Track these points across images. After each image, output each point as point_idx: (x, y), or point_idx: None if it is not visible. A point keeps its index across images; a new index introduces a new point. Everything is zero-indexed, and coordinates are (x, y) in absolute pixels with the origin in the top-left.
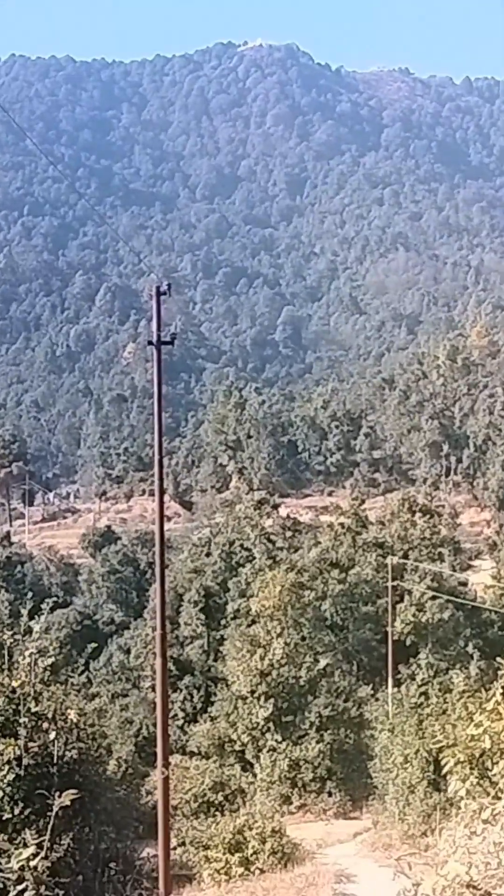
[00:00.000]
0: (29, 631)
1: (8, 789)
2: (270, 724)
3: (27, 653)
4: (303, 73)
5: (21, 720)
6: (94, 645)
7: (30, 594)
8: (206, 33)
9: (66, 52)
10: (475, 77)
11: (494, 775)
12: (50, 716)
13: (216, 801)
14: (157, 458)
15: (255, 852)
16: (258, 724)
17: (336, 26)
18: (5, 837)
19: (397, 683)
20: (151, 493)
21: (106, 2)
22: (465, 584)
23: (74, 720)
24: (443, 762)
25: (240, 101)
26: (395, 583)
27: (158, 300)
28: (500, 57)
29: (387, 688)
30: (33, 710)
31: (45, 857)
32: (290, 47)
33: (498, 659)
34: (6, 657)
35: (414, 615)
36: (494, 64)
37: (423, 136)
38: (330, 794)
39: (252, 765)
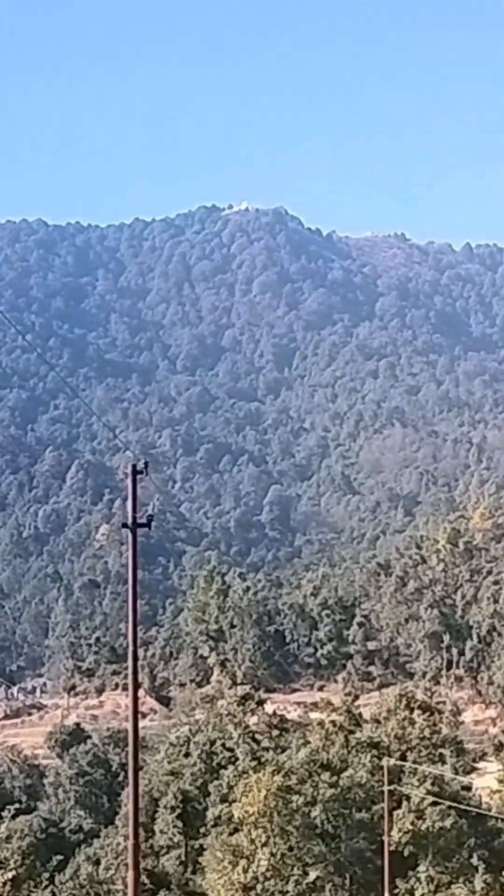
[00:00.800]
0: None
1: None
2: None
3: None
4: (292, 239)
5: None
6: (59, 857)
7: None
8: (188, 196)
9: (38, 216)
10: (476, 244)
11: None
12: None
13: None
14: (131, 648)
15: None
16: None
17: (327, 189)
18: None
19: None
20: (125, 688)
21: (81, 164)
22: (468, 788)
23: None
24: None
25: (224, 267)
26: (391, 787)
27: (135, 479)
28: (502, 222)
29: None
30: None
31: None
32: (278, 211)
33: None
34: None
35: (413, 823)
36: (496, 230)
37: (420, 305)
38: None
39: None
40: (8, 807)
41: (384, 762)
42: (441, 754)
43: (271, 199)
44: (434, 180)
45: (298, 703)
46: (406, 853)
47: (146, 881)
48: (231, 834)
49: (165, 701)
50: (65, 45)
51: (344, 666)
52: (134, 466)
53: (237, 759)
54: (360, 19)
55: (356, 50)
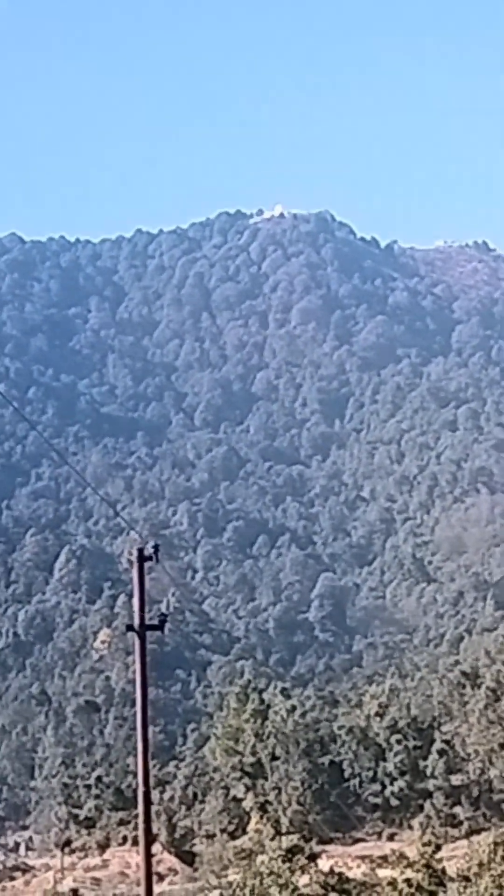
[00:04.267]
0: None
1: None
2: None
3: None
4: (340, 252)
5: None
6: None
7: None
8: (205, 201)
9: (10, 229)
10: None
11: None
12: None
13: None
14: (142, 790)
15: None
16: None
17: (385, 189)
18: None
19: None
20: (135, 842)
21: (67, 164)
22: None
23: None
24: None
25: (253, 290)
26: None
27: (142, 568)
28: None
29: None
30: None
31: None
32: (322, 217)
33: None
34: None
35: None
36: None
37: None
38: None
39: None
40: None
41: None
42: None
43: (313, 202)
44: None
45: (362, 857)
46: None
47: None
48: None
49: (189, 858)
50: (51, 33)
51: (421, 807)
52: (141, 552)
53: None
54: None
55: (419, 25)
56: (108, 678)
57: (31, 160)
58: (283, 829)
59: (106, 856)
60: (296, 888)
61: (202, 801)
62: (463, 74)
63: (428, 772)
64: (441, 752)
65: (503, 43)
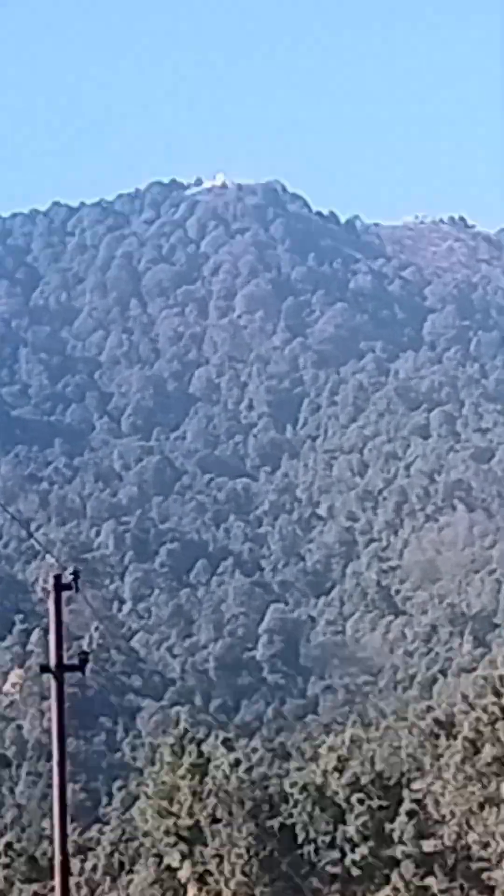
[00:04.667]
0: None
1: None
2: None
3: None
4: (293, 228)
5: None
6: None
7: None
8: (134, 170)
9: None
10: None
11: None
12: None
13: None
14: (59, 859)
15: None
16: None
17: (343, 157)
18: None
19: None
20: None
21: None
22: None
23: None
24: None
25: (191, 273)
26: None
27: (59, 598)
28: None
29: None
30: None
31: None
32: (271, 187)
33: None
34: None
35: None
36: None
37: (491, 325)
38: None
39: None
40: None
41: None
42: None
43: (261, 171)
44: None
45: None
46: None
47: None
48: None
49: None
50: None
51: (387, 878)
52: (58, 579)
53: None
54: None
55: None
56: (19, 727)
57: None
58: None
59: None
60: None
61: (130, 871)
62: (434, 29)
63: (395, 836)
64: (410, 814)
65: None
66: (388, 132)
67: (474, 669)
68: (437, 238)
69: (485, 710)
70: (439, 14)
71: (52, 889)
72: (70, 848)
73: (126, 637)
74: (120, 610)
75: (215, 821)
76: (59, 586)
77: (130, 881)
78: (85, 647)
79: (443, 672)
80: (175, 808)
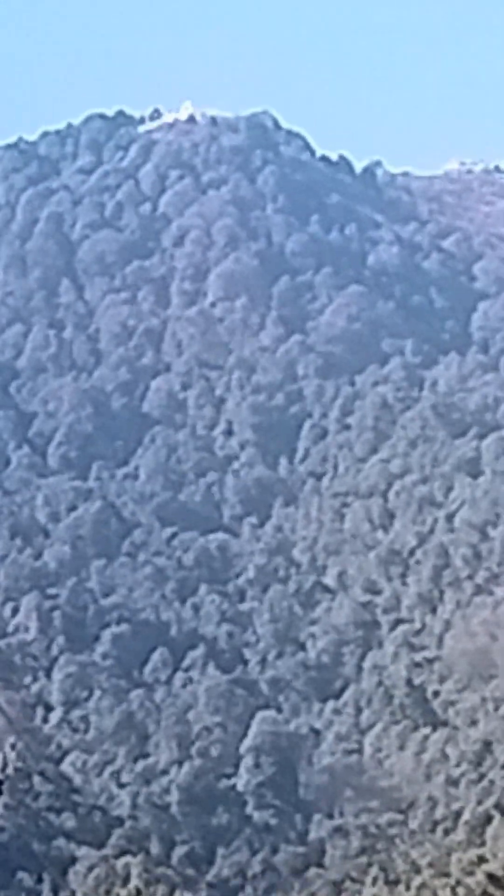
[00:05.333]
0: None
1: None
2: None
3: None
4: (289, 180)
5: None
6: None
7: None
8: (67, 96)
9: None
10: None
11: None
12: None
13: None
14: None
15: None
16: None
17: (358, 80)
18: None
19: None
20: None
21: None
22: None
23: None
24: None
25: (146, 243)
26: None
27: None
28: None
29: None
30: None
31: None
32: (257, 122)
33: None
34: None
35: None
36: None
37: None
38: None
39: None
40: None
41: None
42: None
43: (244, 100)
44: None
45: None
46: None
47: None
48: None
49: None
50: None
51: None
52: None
53: None
54: None
55: None
56: None
57: None
58: None
59: None
60: None
61: None
62: None
63: None
64: None
65: None
66: (420, 47)
67: None
68: (492, 193)
69: None
70: None
71: None
72: None
73: (54, 758)
74: (46, 720)
75: None
76: None
77: None
78: None
79: (500, 808)
80: None
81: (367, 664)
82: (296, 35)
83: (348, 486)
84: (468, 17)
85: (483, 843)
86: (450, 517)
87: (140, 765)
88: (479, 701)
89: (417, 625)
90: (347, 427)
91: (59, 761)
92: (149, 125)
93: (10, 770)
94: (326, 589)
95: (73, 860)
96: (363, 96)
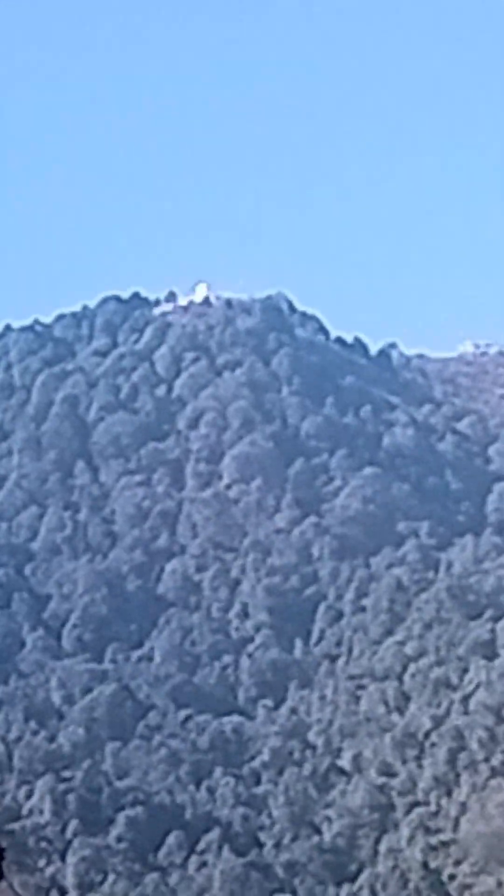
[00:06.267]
0: None
1: None
2: None
3: None
4: (304, 362)
5: None
6: None
7: None
8: (82, 279)
9: None
10: None
11: None
12: None
13: None
14: None
15: None
16: None
17: (373, 265)
18: None
19: None
20: None
21: None
22: None
23: None
24: None
25: (161, 426)
26: None
27: None
28: None
29: None
30: None
31: None
32: (272, 304)
33: None
34: None
35: None
36: None
37: None
38: None
39: None
40: None
41: None
42: None
43: (259, 282)
44: None
45: None
46: None
47: None
48: None
49: None
50: None
51: None
52: None
53: None
54: None
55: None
56: None
57: None
58: None
59: None
60: None
61: None
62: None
63: None
64: None
65: None
66: (434, 229)
67: None
68: None
69: None
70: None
71: None
72: None
73: None
74: None
75: None
76: None
77: None
78: None
79: None
80: None
81: (382, 847)
82: (311, 219)
83: (363, 669)
84: (478, 202)
85: None
86: (465, 699)
87: None
88: (495, 885)
89: (433, 808)
90: (363, 609)
91: None
92: (164, 307)
93: None
94: (342, 772)
95: None
96: (379, 278)
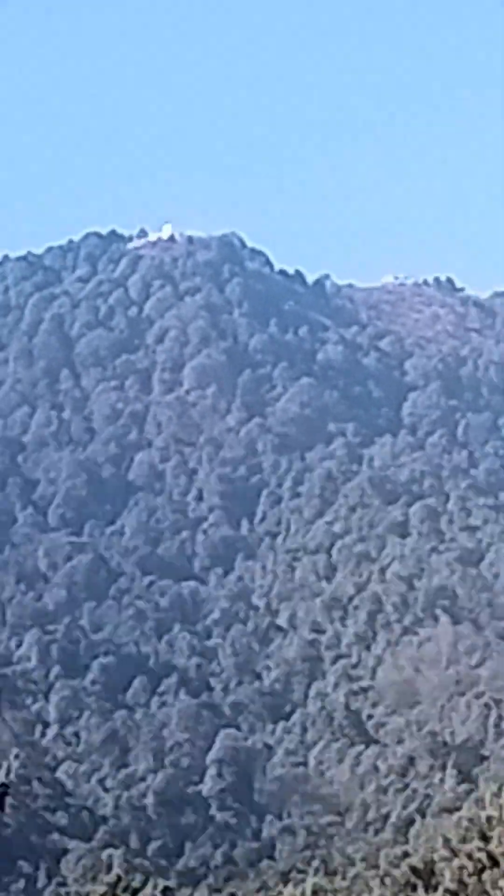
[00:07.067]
0: None
1: None
2: None
3: None
4: (252, 290)
5: None
6: None
7: None
8: (67, 219)
9: None
10: None
11: None
12: None
13: None
14: None
15: None
16: None
17: (311, 207)
18: None
19: None
20: None
21: None
22: None
23: None
24: None
25: (133, 340)
26: None
27: None
28: None
29: None
30: None
31: None
32: (227, 241)
33: None
34: None
35: None
36: None
37: (482, 405)
38: None
39: None
40: None
41: None
42: None
43: (216, 222)
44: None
45: None
46: None
47: None
48: None
49: None
50: None
51: None
52: None
53: None
54: None
55: None
56: None
57: None
58: None
59: None
60: None
61: None
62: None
63: None
64: None
65: None
66: (363, 180)
67: (458, 809)
68: (421, 303)
69: (469, 857)
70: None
71: None
72: None
73: (50, 767)
74: (44, 735)
75: None
76: None
77: None
78: (2, 779)
79: (421, 812)
80: None
81: (312, 692)
82: (261, 167)
83: (298, 544)
84: (403, 151)
85: (407, 841)
86: (382, 571)
87: (122, 773)
88: (404, 723)
89: (354, 659)
90: (298, 495)
91: (54, 769)
92: (136, 243)
93: (13, 776)
94: (279, 629)
95: (65, 851)
96: (316, 220)
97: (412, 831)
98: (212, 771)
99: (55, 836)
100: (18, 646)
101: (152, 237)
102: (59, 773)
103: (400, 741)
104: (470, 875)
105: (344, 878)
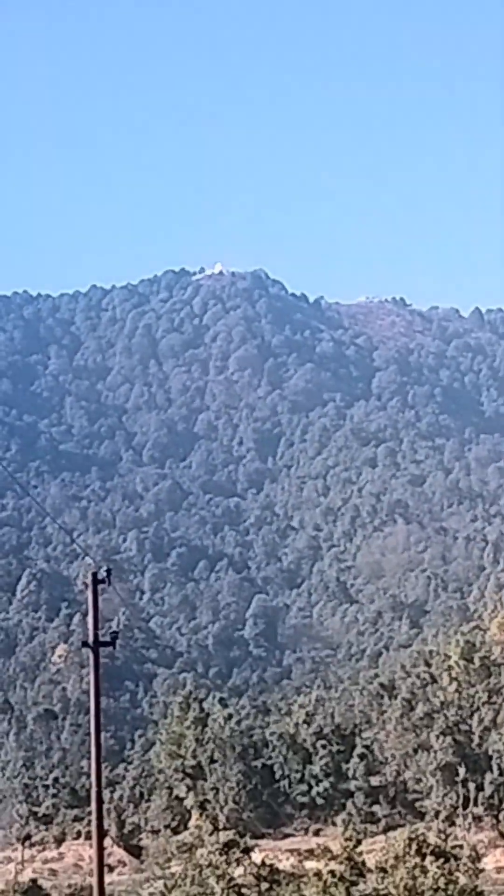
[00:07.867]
0: None
1: None
2: None
3: None
4: (273, 306)
5: None
6: None
7: None
8: (153, 260)
9: None
10: (487, 308)
11: None
12: None
13: None
14: (94, 790)
15: None
16: None
17: (313, 250)
18: None
19: None
20: (88, 836)
21: (29, 223)
22: None
23: None
24: None
25: (196, 340)
26: None
27: (96, 589)
28: None
29: None
30: None
31: None
32: (256, 275)
33: None
34: None
35: None
36: None
37: (424, 380)
38: None
39: None
40: None
41: None
42: None
43: (249, 262)
44: (437, 237)
45: (291, 851)
46: None
47: None
48: None
49: (136, 851)
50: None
51: (343, 805)
52: (94, 575)
53: None
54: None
55: (345, 93)
56: (64, 689)
57: None
58: (221, 826)
59: (62, 849)
60: (232, 878)
61: (148, 800)
62: (382, 144)
63: (350, 774)
64: (361, 756)
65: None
66: (346, 230)
67: (409, 645)
68: (382, 314)
69: (418, 676)
70: (379, 112)
71: (89, 813)
72: (102, 782)
73: (145, 620)
74: (141, 599)
75: (213, 761)
76: (96, 581)
77: (148, 808)
78: (114, 628)
79: (386, 647)
80: (182, 752)
81: (315, 569)
82: (278, 223)
83: (305, 473)
84: (373, 205)
85: (377, 666)
86: (360, 490)
87: (192, 623)
88: (374, 589)
89: (342, 548)
90: (304, 440)
91: (148, 621)
92: (197, 276)
93: (121, 626)
94: (293, 528)
95: (155, 675)
96: (315, 258)
97: (381, 660)
98: (250, 622)
99: (149, 665)
100: (124, 541)
101: (208, 273)
102: (151, 624)
103: (372, 601)
104: (418, 688)
105: (336, 691)
